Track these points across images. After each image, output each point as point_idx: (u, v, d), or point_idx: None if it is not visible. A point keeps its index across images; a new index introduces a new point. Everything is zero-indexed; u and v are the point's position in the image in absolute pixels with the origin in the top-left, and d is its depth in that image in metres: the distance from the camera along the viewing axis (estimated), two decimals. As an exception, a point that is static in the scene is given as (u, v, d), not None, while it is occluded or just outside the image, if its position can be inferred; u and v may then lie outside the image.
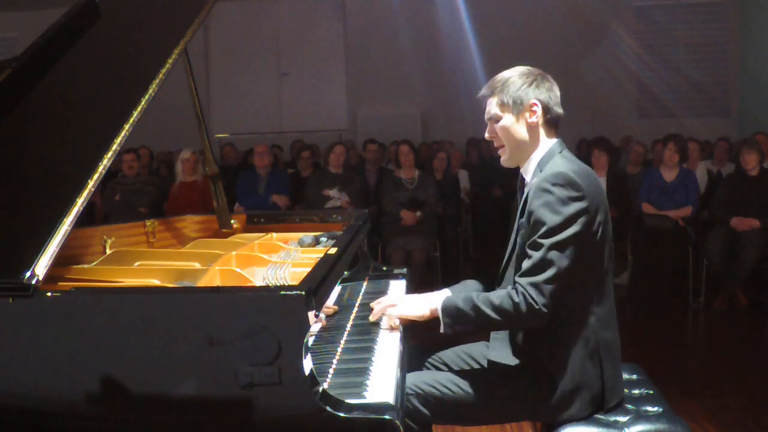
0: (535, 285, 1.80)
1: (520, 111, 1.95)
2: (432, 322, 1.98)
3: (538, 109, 1.95)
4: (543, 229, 1.82)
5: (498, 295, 1.86)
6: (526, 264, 1.84)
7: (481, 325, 1.90)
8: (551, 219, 1.81)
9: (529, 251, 1.85)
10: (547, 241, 1.81)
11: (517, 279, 1.85)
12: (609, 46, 9.36)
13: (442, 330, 1.94)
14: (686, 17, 9.59)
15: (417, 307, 2.02)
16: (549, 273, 1.80)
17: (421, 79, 9.62)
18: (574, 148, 8.48)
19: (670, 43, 9.52)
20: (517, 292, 1.82)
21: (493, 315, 1.84)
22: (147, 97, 2.00)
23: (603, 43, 9.34)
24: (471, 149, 8.41)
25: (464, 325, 1.92)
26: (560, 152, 1.95)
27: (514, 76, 1.97)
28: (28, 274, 1.54)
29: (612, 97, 9.26)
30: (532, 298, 1.80)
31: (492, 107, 1.99)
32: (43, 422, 1.58)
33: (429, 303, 2.00)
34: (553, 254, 1.80)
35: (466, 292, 2.18)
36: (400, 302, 2.09)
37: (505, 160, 2.03)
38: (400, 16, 9.59)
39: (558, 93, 1.99)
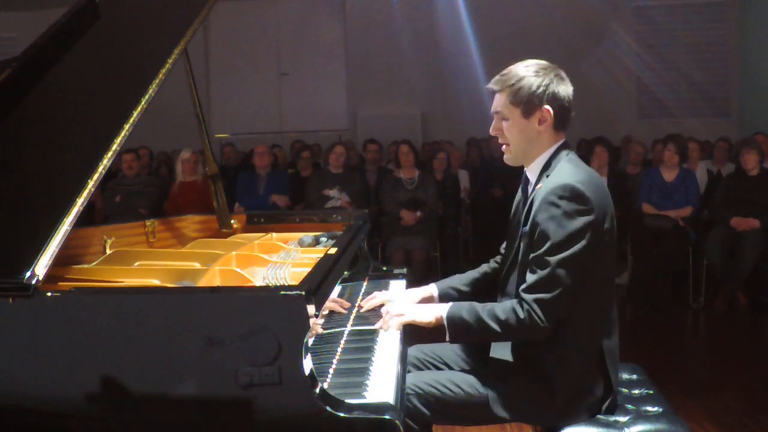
0: (540, 302, 1.78)
1: (530, 114, 1.89)
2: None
3: (550, 115, 1.89)
4: (548, 245, 1.78)
5: (503, 309, 1.84)
6: (531, 278, 1.81)
7: (484, 337, 1.90)
8: (557, 234, 1.78)
9: (535, 267, 1.81)
10: (553, 258, 1.77)
11: (523, 294, 1.82)
12: (609, 46, 9.35)
13: (447, 339, 1.93)
14: (686, 17, 9.58)
15: (423, 315, 1.99)
16: (555, 291, 1.77)
17: (421, 79, 9.62)
18: (574, 148, 8.48)
19: (670, 43, 9.52)
20: (522, 308, 1.80)
21: (496, 328, 1.83)
22: (147, 97, 2.00)
23: (603, 43, 9.34)
24: (471, 149, 8.41)
25: (468, 336, 1.93)
26: (566, 155, 1.91)
27: (530, 75, 1.88)
28: (28, 274, 1.54)
29: (612, 97, 9.26)
30: (538, 316, 1.77)
31: (501, 104, 1.92)
32: (43, 422, 1.58)
33: (434, 311, 1.97)
34: (560, 272, 1.77)
35: (451, 282, 2.24)
36: (407, 309, 2.05)
37: (509, 159, 1.98)
38: (400, 16, 9.59)
39: (571, 91, 1.92)
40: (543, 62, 1.95)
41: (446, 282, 2.25)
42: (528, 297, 1.80)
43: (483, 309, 1.86)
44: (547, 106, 1.88)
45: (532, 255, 1.84)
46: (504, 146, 1.98)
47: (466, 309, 1.89)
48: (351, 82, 10.19)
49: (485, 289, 2.18)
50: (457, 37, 9.40)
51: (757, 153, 5.41)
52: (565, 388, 1.86)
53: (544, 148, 1.94)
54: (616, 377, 1.93)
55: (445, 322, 1.91)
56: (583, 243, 1.77)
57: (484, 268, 2.28)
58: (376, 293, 2.27)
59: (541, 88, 1.87)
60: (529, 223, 1.89)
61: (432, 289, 2.22)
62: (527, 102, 1.88)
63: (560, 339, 1.85)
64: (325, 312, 2.14)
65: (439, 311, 1.94)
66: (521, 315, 1.79)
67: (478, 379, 1.95)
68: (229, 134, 9.80)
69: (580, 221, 1.78)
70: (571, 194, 1.79)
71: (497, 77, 1.94)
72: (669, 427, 1.87)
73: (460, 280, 2.25)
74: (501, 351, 2.00)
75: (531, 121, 1.90)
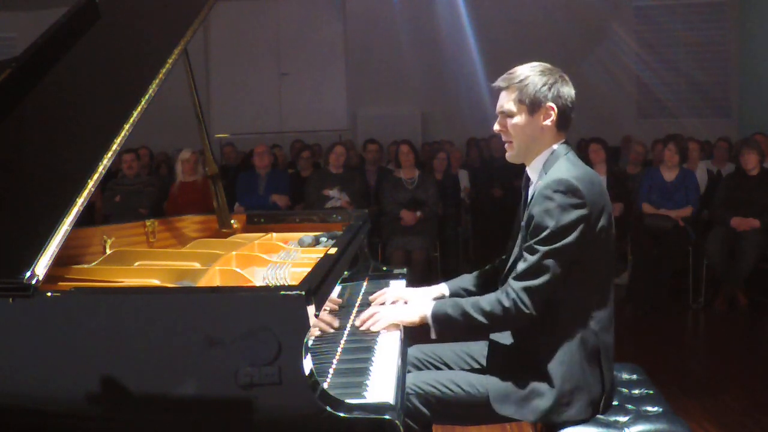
0: (527, 290, 1.83)
1: (535, 111, 1.93)
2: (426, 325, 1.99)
3: (554, 113, 1.93)
4: (540, 236, 1.84)
5: (488, 301, 1.88)
6: (520, 266, 1.87)
7: (470, 330, 1.93)
8: (550, 225, 1.83)
9: (526, 254, 1.86)
10: (544, 248, 1.82)
11: (511, 282, 1.87)
12: (609, 46, 9.36)
13: (432, 336, 1.96)
14: (686, 17, 9.59)
15: (407, 314, 2.03)
16: (543, 279, 1.82)
17: (421, 79, 9.62)
18: (574, 148, 8.47)
19: (670, 43, 9.53)
20: (507, 297, 1.85)
21: (482, 320, 1.87)
22: (147, 97, 2.00)
23: (603, 43, 9.34)
24: (471, 149, 8.40)
25: (454, 331, 1.95)
26: (566, 154, 1.95)
27: (534, 74, 1.93)
28: (28, 274, 1.54)
29: (612, 97, 9.25)
30: (523, 303, 1.82)
31: (506, 102, 1.96)
32: (43, 422, 1.58)
33: (419, 310, 2.00)
34: (549, 261, 1.82)
35: (461, 282, 2.26)
36: (391, 308, 2.09)
37: (512, 156, 2.02)
38: (400, 16, 9.59)
39: (573, 94, 1.97)
40: (547, 64, 1.99)
41: (457, 282, 2.28)
42: (516, 285, 1.84)
43: (467, 303, 1.91)
44: (552, 104, 1.93)
45: (524, 245, 1.88)
46: (506, 143, 2.01)
47: (450, 304, 1.94)
48: (351, 82, 10.19)
49: (495, 289, 2.20)
50: (457, 37, 9.40)
51: (757, 153, 5.41)
52: (563, 386, 1.86)
53: (546, 146, 1.97)
54: (610, 374, 1.95)
55: (429, 320, 1.95)
56: (574, 235, 1.82)
57: (493, 267, 2.29)
58: (386, 290, 2.27)
59: (547, 86, 1.92)
60: (525, 218, 1.93)
61: (443, 288, 2.24)
62: (533, 99, 1.92)
63: (557, 335, 1.88)
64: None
65: (424, 310, 1.98)
66: (506, 304, 1.84)
67: (478, 378, 1.96)
68: (229, 134, 9.80)
69: (573, 214, 1.82)
70: (566, 188, 1.83)
71: (504, 75, 1.99)
72: (669, 427, 1.88)
73: (470, 280, 2.27)
74: (500, 335, 2.03)
75: (536, 117, 1.94)
